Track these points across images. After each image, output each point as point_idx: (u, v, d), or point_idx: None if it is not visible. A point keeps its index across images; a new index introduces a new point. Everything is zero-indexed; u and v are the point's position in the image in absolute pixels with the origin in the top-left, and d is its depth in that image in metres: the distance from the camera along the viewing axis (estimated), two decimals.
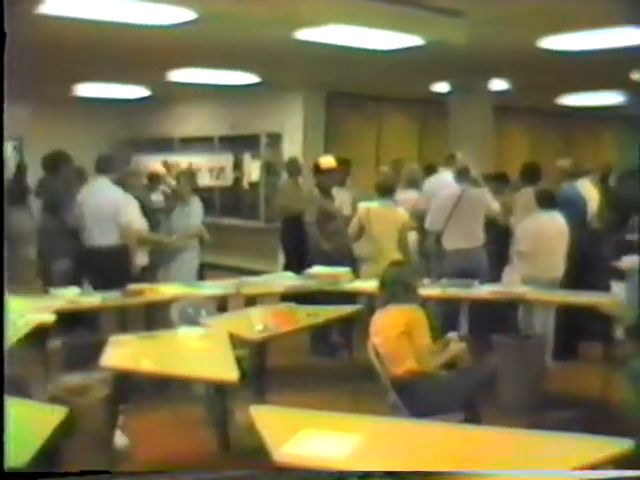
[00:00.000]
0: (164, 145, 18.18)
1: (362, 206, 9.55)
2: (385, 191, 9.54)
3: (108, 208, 8.97)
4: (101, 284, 8.31)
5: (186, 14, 8.57)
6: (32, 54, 10.99)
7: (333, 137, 15.63)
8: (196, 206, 10.01)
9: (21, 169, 16.39)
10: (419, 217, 9.82)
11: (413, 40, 9.71)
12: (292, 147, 15.26)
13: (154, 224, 9.68)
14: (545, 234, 8.72)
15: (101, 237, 8.98)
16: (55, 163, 9.87)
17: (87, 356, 7.16)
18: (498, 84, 13.95)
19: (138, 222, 9.20)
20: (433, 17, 8.83)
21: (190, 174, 11.88)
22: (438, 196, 9.49)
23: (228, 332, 6.52)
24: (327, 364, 8.97)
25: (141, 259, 9.40)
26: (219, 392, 6.34)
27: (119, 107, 18.05)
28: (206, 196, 13.20)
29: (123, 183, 9.41)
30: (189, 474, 4.36)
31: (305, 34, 9.52)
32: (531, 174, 9.92)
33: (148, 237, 9.47)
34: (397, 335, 5.77)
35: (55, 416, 4.36)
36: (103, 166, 9.34)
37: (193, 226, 9.86)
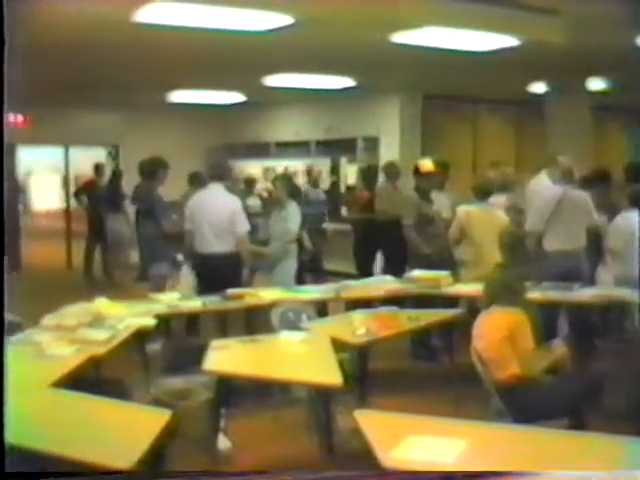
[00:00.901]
0: (260, 150, 18.25)
1: (462, 209, 9.48)
2: (484, 194, 9.45)
3: (224, 216, 8.99)
4: (214, 290, 8.36)
5: (283, 19, 8.57)
6: (128, 62, 11.18)
7: (429, 140, 15.52)
8: (293, 211, 10.04)
9: (117, 175, 16.63)
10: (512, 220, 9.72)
11: (509, 40, 9.59)
12: (389, 150, 15.20)
13: (252, 229, 9.72)
14: (636, 233, 8.54)
15: (216, 244, 9.02)
16: (153, 169, 9.95)
17: (187, 360, 7.22)
18: (596, 83, 13.71)
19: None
20: (529, 16, 8.71)
21: (286, 178, 11.91)
22: (539, 197, 9.36)
23: (329, 336, 6.51)
24: (428, 368, 8.89)
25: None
26: (321, 396, 6.32)
27: (215, 113, 18.18)
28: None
29: (229, 189, 9.47)
30: (290, 474, 4.34)
31: (402, 37, 9.45)
32: (635, 174, 9.75)
33: (252, 249, 9.53)
34: (500, 339, 5.68)
35: (160, 419, 4.38)
36: (217, 173, 9.37)
37: (291, 231, 9.89)
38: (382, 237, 11.47)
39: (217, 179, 9.23)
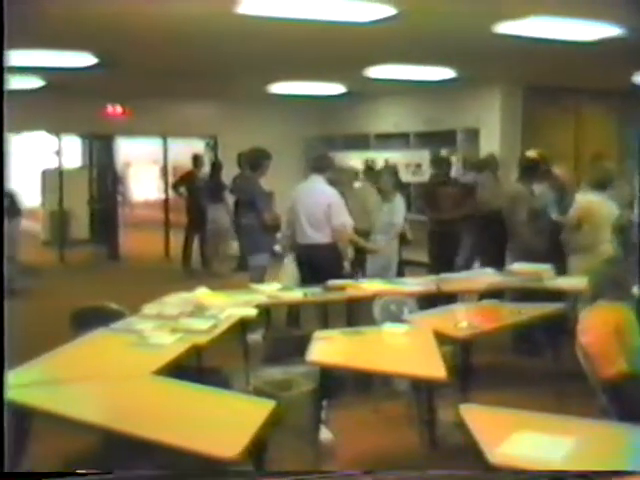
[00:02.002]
0: (359, 141, 18.21)
1: (581, 197, 9.39)
2: (602, 185, 9.31)
3: (322, 208, 9.00)
4: (314, 281, 8.38)
5: (386, 10, 8.52)
6: (229, 53, 11.23)
7: (530, 131, 15.33)
8: (400, 204, 10.00)
9: (216, 167, 16.73)
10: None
11: (613, 30, 9.41)
12: (489, 142, 15.05)
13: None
14: None
15: (315, 235, 9.03)
16: (256, 160, 10.01)
17: (288, 350, 7.24)
18: None
19: (349, 223, 9.28)
20: (634, 4, 8.53)
21: (393, 170, 11.87)
22: None
23: (432, 329, 6.46)
24: (530, 363, 8.75)
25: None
26: (424, 389, 6.28)
27: (314, 104, 18.22)
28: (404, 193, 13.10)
29: (333, 181, 9.47)
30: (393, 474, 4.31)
31: (505, 27, 9.34)
32: None
33: (356, 240, 9.54)
34: (607, 334, 5.54)
35: (263, 409, 4.39)
36: (319, 165, 9.38)
37: (397, 224, 9.86)
38: (481, 230, 11.39)
39: (318, 171, 9.24)
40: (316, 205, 9.03)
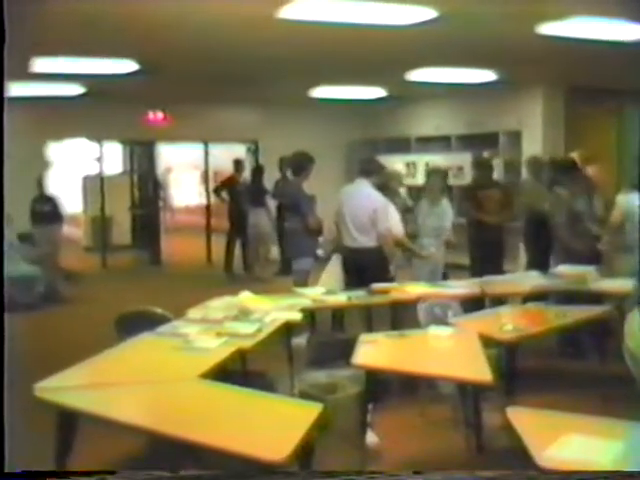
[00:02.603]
0: (400, 145, 18.18)
1: (622, 198, 9.34)
2: None
3: (368, 212, 8.98)
4: (360, 284, 8.37)
5: (427, 13, 8.50)
6: (270, 58, 11.25)
7: (572, 133, 15.24)
8: (447, 207, 9.99)
9: (258, 171, 16.77)
10: None
11: None
12: (531, 145, 14.98)
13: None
14: None
15: (361, 239, 9.02)
16: (300, 164, 10.04)
17: (332, 354, 7.23)
18: None
19: (396, 227, 9.26)
20: None
21: (442, 173, 11.82)
22: None
23: (477, 332, 6.43)
24: (575, 366, 8.69)
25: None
26: (470, 393, 6.24)
27: (355, 108, 18.22)
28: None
29: (380, 185, 9.45)
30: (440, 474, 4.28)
31: (547, 28, 9.28)
32: None
33: (405, 243, 9.53)
34: None
35: (310, 412, 4.37)
36: (366, 168, 9.37)
37: (445, 229, 9.85)
38: (525, 234, 11.35)
39: (365, 174, 9.22)
40: (362, 209, 9.01)
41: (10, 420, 7.28)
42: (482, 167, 12.39)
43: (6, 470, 3.58)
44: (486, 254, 11.12)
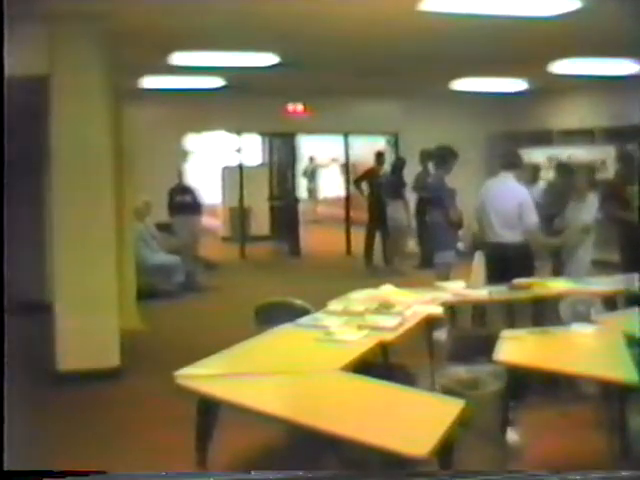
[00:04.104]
0: (542, 138, 17.88)
1: None
2: None
3: (513, 206, 8.85)
4: (504, 280, 8.26)
5: (570, 4, 8.34)
6: (411, 50, 11.21)
7: None
8: (592, 203, 9.80)
9: (399, 164, 16.73)
10: None
11: None
12: None
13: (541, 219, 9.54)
14: None
15: (505, 233, 8.89)
16: (443, 157, 10.01)
17: (473, 349, 7.15)
18: None
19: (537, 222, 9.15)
20: None
21: (591, 168, 11.62)
22: None
23: (621, 330, 6.27)
24: None
25: None
26: (614, 393, 6.09)
27: (496, 100, 18.02)
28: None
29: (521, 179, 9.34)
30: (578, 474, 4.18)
31: None
32: None
33: (545, 239, 9.38)
34: None
35: (452, 408, 4.33)
36: (509, 162, 9.24)
37: (584, 223, 9.67)
38: None
39: (508, 168, 9.09)
40: (507, 203, 8.87)
41: (153, 406, 7.46)
42: (626, 161, 12.11)
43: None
44: (634, 253, 10.85)
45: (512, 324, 7.70)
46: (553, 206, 10.45)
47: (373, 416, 4.31)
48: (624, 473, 4.20)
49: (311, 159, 29.11)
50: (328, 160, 28.83)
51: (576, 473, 4.29)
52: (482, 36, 10.13)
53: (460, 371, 6.78)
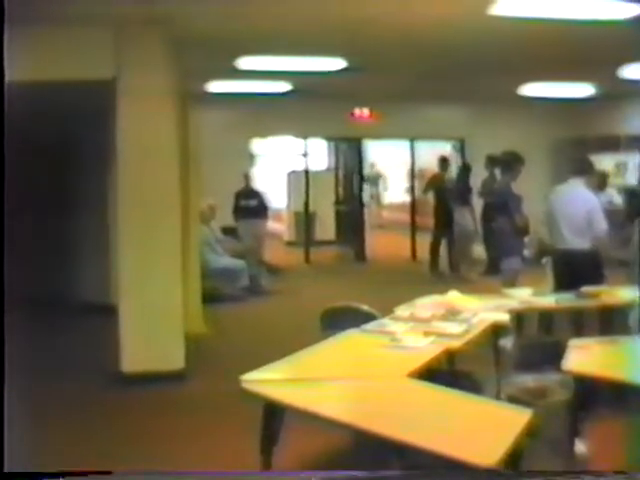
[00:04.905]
0: (610, 144, 17.67)
1: None
2: None
3: (582, 213, 8.75)
4: (572, 287, 8.16)
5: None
6: (480, 55, 11.12)
7: None
8: None
9: (465, 169, 16.65)
10: None
11: None
12: None
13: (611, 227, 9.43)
14: None
15: (574, 240, 8.78)
16: (509, 163, 9.96)
17: (540, 357, 7.05)
18: None
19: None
20: None
21: None
22: None
23: None
24: None
25: None
26: None
27: (564, 105, 17.84)
28: None
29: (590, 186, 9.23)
30: None
31: None
32: None
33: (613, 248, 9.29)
34: None
35: (520, 417, 4.28)
36: (579, 168, 9.13)
37: None
38: None
39: (579, 174, 8.99)
40: (576, 210, 8.77)
41: (217, 409, 7.46)
42: None
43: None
44: None
45: (579, 333, 7.60)
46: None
47: (440, 424, 4.27)
48: None
49: (376, 164, 29.05)
50: (393, 165, 28.76)
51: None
52: (550, 40, 10.05)
53: (527, 380, 6.68)
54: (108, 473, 4.06)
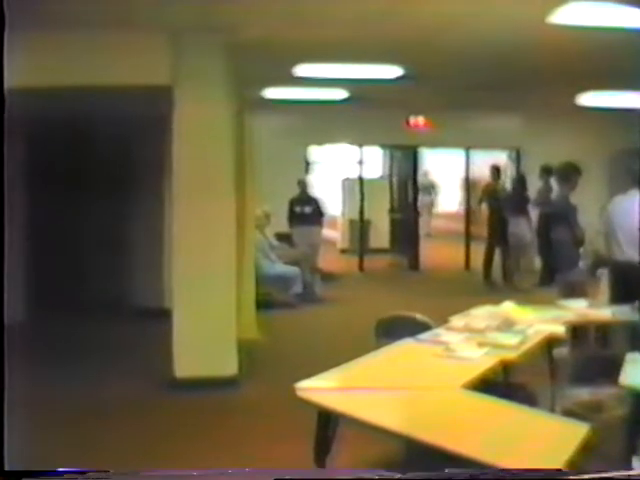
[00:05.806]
0: None
1: None
2: None
3: (638, 225, 8.65)
4: (630, 300, 8.05)
5: None
6: (537, 63, 11.04)
7: None
8: None
9: (521, 179, 16.54)
10: None
11: None
12: None
13: None
14: None
15: (632, 253, 8.66)
16: (567, 174, 9.90)
17: (595, 371, 6.97)
18: None
19: None
20: None
21: None
22: None
23: None
24: None
25: None
26: None
27: (620, 116, 17.63)
28: None
29: None
30: None
31: None
32: None
33: None
34: None
35: (576, 432, 4.22)
36: (638, 179, 9.03)
37: None
38: None
39: (638, 185, 8.89)
40: (635, 221, 8.66)
41: (270, 416, 7.46)
42: None
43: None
44: None
45: (636, 346, 7.50)
46: None
47: (495, 436, 4.22)
48: None
49: (430, 172, 28.98)
50: (447, 174, 28.67)
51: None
52: (609, 49, 9.93)
53: (582, 393, 6.61)
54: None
